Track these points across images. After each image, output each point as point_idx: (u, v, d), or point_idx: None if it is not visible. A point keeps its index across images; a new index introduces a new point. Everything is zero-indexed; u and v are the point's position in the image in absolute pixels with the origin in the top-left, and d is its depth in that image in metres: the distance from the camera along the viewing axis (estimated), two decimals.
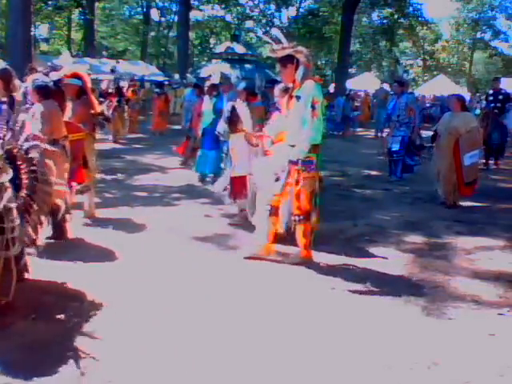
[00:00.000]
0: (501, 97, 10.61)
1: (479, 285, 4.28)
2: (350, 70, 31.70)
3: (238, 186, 5.62)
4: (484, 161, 10.29)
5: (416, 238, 5.57)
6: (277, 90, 5.37)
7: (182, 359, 2.97)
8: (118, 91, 14.26)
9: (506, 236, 5.70)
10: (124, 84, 16.57)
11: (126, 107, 14.06)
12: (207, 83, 8.78)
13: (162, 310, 3.60)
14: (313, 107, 4.28)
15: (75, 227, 5.26)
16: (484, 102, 11.42)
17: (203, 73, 29.07)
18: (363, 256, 4.96)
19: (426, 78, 42.18)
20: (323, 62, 42.36)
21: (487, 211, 6.94)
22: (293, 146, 4.37)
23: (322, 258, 4.81)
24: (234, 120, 5.71)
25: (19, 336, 3.14)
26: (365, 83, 28.97)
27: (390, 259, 4.89)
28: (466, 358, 3.08)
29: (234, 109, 5.77)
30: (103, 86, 14.84)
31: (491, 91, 11.20)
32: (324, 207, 6.90)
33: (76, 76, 5.59)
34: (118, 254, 4.70)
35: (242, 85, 6.02)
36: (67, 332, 3.21)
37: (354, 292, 4.05)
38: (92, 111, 5.65)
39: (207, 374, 2.84)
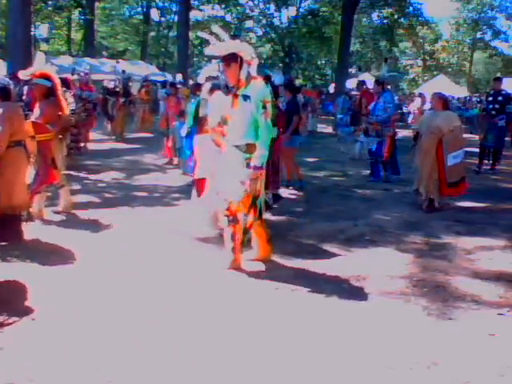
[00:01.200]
0: (500, 98, 10.06)
1: (479, 285, 4.28)
2: (350, 69, 31.66)
3: (203, 189, 5.52)
4: (477, 163, 10.13)
5: (416, 238, 5.57)
6: (204, 88, 5.33)
7: (182, 359, 2.97)
8: (125, 91, 14.36)
9: (506, 236, 5.70)
10: (130, 84, 16.65)
11: (130, 107, 14.21)
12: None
13: (161, 310, 3.60)
14: (264, 108, 4.18)
15: (68, 229, 5.29)
16: (485, 103, 11.05)
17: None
18: (363, 256, 4.96)
19: (426, 78, 42.15)
20: (323, 62, 42.33)
21: (487, 211, 6.94)
22: (237, 146, 4.25)
23: (322, 257, 4.82)
24: (199, 120, 5.67)
25: None
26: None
27: (390, 259, 4.89)
28: (466, 358, 3.08)
29: (198, 108, 5.76)
30: (109, 85, 14.89)
31: (491, 91, 10.80)
32: (324, 207, 6.96)
33: (45, 76, 5.58)
34: (118, 254, 4.71)
35: (208, 84, 5.97)
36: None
37: (354, 292, 4.05)
38: (60, 113, 5.60)
39: (206, 373, 2.84)
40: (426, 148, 6.76)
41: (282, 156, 7.82)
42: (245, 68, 4.23)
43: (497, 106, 9.98)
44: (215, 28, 4.43)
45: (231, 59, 4.22)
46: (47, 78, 5.59)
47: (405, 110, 22.43)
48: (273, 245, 4.69)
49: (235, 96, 4.29)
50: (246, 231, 4.41)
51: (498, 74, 32.81)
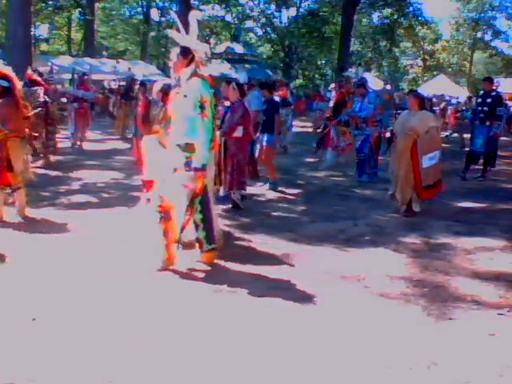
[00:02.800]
0: (489, 100, 9.09)
1: (479, 285, 4.28)
2: (350, 69, 31.68)
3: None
4: (464, 168, 9.36)
5: (416, 238, 5.57)
6: (155, 88, 5.29)
7: (181, 359, 2.97)
8: (127, 90, 14.38)
9: (506, 236, 5.70)
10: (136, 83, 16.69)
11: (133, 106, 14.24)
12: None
13: (160, 310, 3.61)
14: (202, 107, 4.11)
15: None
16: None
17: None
18: (363, 256, 4.96)
19: (425, 77, 42.16)
20: (323, 62, 42.33)
21: (487, 211, 6.94)
22: (178, 145, 4.20)
23: (322, 257, 4.82)
24: (147, 121, 5.64)
25: None
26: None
27: (390, 259, 4.89)
28: (466, 358, 3.08)
29: (147, 109, 5.75)
30: (110, 84, 14.93)
31: (481, 92, 9.95)
32: (324, 207, 6.96)
33: (3, 76, 5.54)
34: (117, 253, 4.71)
35: (159, 85, 6.02)
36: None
37: (354, 292, 4.06)
38: (19, 113, 5.55)
39: (206, 373, 2.84)
40: (400, 150, 6.50)
41: (264, 156, 7.84)
42: (191, 67, 4.16)
43: (485, 108, 9.10)
44: (192, 16, 4.28)
45: (183, 52, 4.19)
46: (4, 77, 5.54)
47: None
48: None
49: (177, 94, 4.24)
50: (181, 230, 4.31)
51: (498, 74, 32.83)
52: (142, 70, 25.31)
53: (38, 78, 9.40)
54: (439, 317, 3.64)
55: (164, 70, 32.10)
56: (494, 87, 9.57)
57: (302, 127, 20.65)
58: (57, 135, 9.70)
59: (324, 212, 6.66)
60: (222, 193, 6.54)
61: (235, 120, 6.33)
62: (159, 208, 4.23)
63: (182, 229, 4.31)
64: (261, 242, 5.29)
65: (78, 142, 11.87)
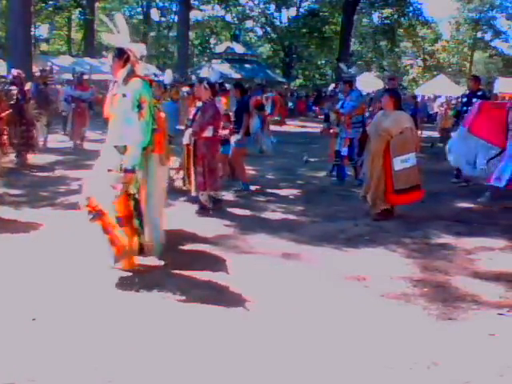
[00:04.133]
0: (475, 99, 8.40)
1: (479, 285, 4.28)
2: (349, 69, 31.68)
3: None
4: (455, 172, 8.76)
5: (416, 238, 5.57)
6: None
7: (180, 358, 2.97)
8: None
9: (506, 236, 5.69)
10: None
11: None
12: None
13: (158, 309, 3.61)
14: (140, 107, 4.00)
15: None
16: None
17: (203, 73, 29.12)
18: (363, 256, 4.97)
19: (426, 77, 42.17)
20: (323, 62, 42.35)
21: (487, 211, 6.93)
22: (116, 146, 4.09)
23: (322, 257, 4.83)
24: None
25: None
26: (365, 83, 28.94)
27: (390, 259, 4.89)
28: (466, 358, 3.08)
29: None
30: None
31: (466, 91, 9.35)
32: (324, 207, 6.96)
33: None
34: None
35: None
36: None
37: (354, 292, 4.06)
38: None
39: (206, 373, 2.84)
40: (373, 151, 6.27)
41: (231, 156, 7.72)
42: (128, 67, 4.09)
43: (471, 108, 8.34)
44: (119, 18, 4.21)
45: (118, 54, 4.13)
46: None
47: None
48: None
49: (115, 95, 4.16)
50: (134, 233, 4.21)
51: (498, 74, 32.83)
52: (142, 70, 25.34)
53: (23, 75, 9.43)
54: (439, 317, 3.64)
55: (164, 70, 32.12)
56: (481, 86, 9.15)
57: (301, 127, 20.69)
58: (34, 135, 9.59)
59: (324, 212, 6.66)
60: (193, 194, 6.44)
61: (205, 120, 6.19)
62: (88, 208, 4.06)
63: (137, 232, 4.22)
64: (261, 242, 5.29)
65: (78, 142, 11.88)
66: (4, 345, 3.05)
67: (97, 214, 4.07)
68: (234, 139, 7.66)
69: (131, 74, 4.08)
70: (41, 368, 2.82)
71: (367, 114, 9.05)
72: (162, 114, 4.83)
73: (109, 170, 4.04)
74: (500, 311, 3.76)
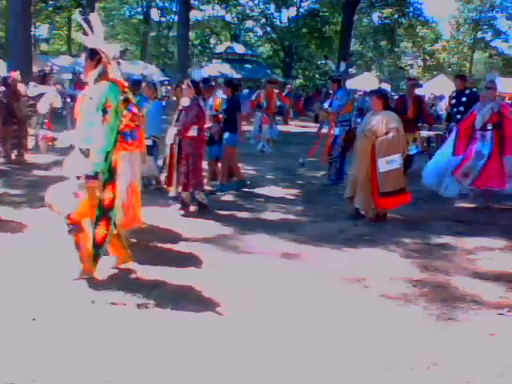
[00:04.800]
0: (464, 99, 8.16)
1: (479, 285, 4.28)
2: (350, 69, 31.68)
3: None
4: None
5: (416, 238, 5.57)
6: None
7: (180, 358, 2.97)
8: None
9: (506, 236, 5.70)
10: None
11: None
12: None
13: (155, 309, 3.61)
14: (104, 111, 3.85)
15: None
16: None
17: (203, 73, 29.07)
18: (363, 256, 4.96)
19: (426, 77, 42.16)
20: (323, 61, 42.36)
21: (487, 211, 6.93)
22: (81, 149, 3.98)
23: (322, 257, 4.82)
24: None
25: None
26: (365, 83, 28.97)
27: (390, 259, 4.89)
28: (466, 358, 3.08)
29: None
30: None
31: (454, 92, 8.94)
32: (324, 207, 6.96)
33: None
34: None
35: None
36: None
37: (354, 292, 4.06)
38: None
39: (206, 373, 2.84)
40: (359, 152, 6.17)
41: (224, 156, 7.65)
42: (98, 68, 4.02)
43: (461, 108, 8.07)
44: (93, 17, 4.12)
45: (91, 55, 4.06)
46: None
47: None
48: (131, 252, 4.35)
49: (84, 96, 4.09)
50: (96, 245, 4.00)
51: (498, 74, 32.75)
52: (141, 69, 25.37)
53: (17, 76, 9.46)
54: (439, 317, 3.64)
55: (164, 70, 32.14)
56: (468, 85, 8.81)
57: (302, 127, 20.68)
58: (25, 134, 9.57)
59: (324, 212, 6.66)
60: (172, 193, 6.40)
61: (189, 119, 6.11)
62: (68, 220, 3.94)
63: (97, 245, 4.02)
64: (260, 241, 5.29)
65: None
66: (4, 345, 3.04)
67: (75, 229, 3.96)
68: (225, 137, 7.58)
69: (102, 75, 4.01)
70: (41, 368, 2.82)
71: (355, 113, 9.00)
72: (142, 113, 4.82)
73: (77, 177, 3.92)
74: (500, 311, 3.76)
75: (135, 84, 7.60)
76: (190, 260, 4.65)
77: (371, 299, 3.92)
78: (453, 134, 7.36)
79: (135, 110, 4.65)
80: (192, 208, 6.39)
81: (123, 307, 3.60)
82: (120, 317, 3.46)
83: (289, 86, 26.41)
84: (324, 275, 4.37)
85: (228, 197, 7.41)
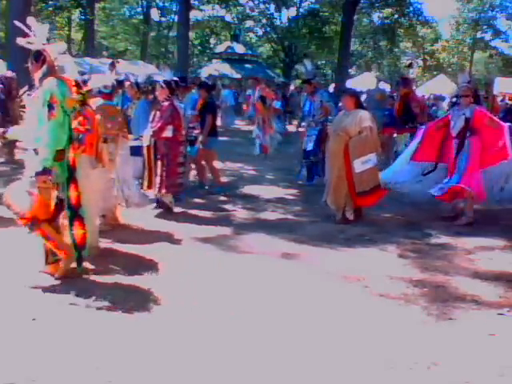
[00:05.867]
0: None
1: (479, 285, 4.28)
2: (349, 69, 31.72)
3: None
4: None
5: (416, 238, 5.57)
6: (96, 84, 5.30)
7: (180, 359, 2.97)
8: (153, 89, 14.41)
9: (506, 236, 5.70)
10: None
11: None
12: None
13: (155, 309, 3.61)
14: (50, 107, 3.81)
15: None
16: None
17: (203, 73, 29.15)
18: (363, 256, 4.96)
19: (426, 77, 42.15)
20: (323, 62, 42.35)
21: (487, 211, 6.93)
22: (34, 150, 3.94)
23: (322, 257, 4.82)
24: None
25: None
26: (365, 83, 28.99)
27: (390, 259, 4.89)
28: (466, 358, 3.08)
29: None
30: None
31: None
32: (324, 207, 6.94)
33: None
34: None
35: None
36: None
37: (354, 292, 4.06)
38: None
39: (206, 373, 2.84)
40: (332, 152, 6.04)
41: (203, 159, 7.56)
42: (44, 68, 3.99)
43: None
44: (30, 20, 4.15)
45: (36, 56, 4.06)
46: None
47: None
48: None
49: (34, 98, 4.05)
50: (78, 248, 4.03)
51: (499, 74, 32.77)
52: (141, 69, 25.35)
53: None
54: (439, 317, 3.64)
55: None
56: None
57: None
58: None
59: (323, 212, 6.65)
60: (151, 195, 6.30)
61: (164, 119, 6.02)
62: (21, 221, 3.87)
63: (78, 247, 4.03)
64: (260, 241, 5.29)
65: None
66: (4, 345, 3.05)
67: (32, 224, 3.89)
68: (200, 139, 7.48)
69: (47, 74, 3.98)
70: (41, 368, 2.82)
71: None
72: (98, 116, 4.70)
73: (31, 177, 3.88)
74: (500, 311, 3.76)
75: (118, 84, 7.56)
76: (190, 260, 4.65)
77: (371, 299, 3.92)
78: (419, 137, 6.82)
79: (89, 114, 4.52)
80: (175, 209, 6.31)
81: (121, 308, 3.60)
82: (120, 317, 3.46)
83: (292, 88, 26.41)
84: (324, 275, 4.37)
85: (227, 197, 7.41)
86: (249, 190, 7.99)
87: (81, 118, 4.29)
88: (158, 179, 6.08)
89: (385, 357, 3.05)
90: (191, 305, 3.70)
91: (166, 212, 6.24)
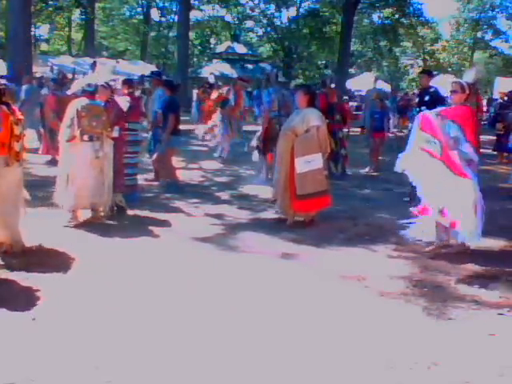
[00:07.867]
0: (427, 97, 7.00)
1: (479, 285, 4.27)
2: (350, 69, 31.73)
3: None
4: None
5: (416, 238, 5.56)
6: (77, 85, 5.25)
7: (180, 359, 2.97)
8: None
9: (505, 236, 5.69)
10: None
11: None
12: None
13: (153, 309, 3.60)
14: None
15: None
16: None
17: (203, 73, 29.13)
18: (363, 256, 4.96)
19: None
20: (323, 62, 42.34)
21: (487, 211, 6.91)
22: None
23: (322, 257, 4.82)
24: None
25: None
26: (365, 83, 28.99)
27: (390, 259, 4.89)
28: (466, 358, 3.08)
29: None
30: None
31: (418, 90, 7.91)
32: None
33: None
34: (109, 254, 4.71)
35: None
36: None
37: (354, 292, 4.05)
38: None
39: (206, 373, 2.84)
40: (280, 152, 5.82)
41: (160, 157, 7.48)
42: None
43: (423, 108, 6.37)
44: None
45: None
46: None
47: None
48: None
49: None
50: None
51: (499, 74, 32.77)
52: (141, 69, 25.35)
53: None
54: (439, 317, 3.64)
55: (164, 70, 32.13)
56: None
57: None
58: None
59: (323, 212, 6.65)
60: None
61: (110, 120, 5.83)
62: None
63: None
64: (260, 241, 5.29)
65: None
66: (4, 345, 3.04)
67: None
68: (161, 138, 7.45)
69: None
70: (41, 368, 2.82)
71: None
72: (19, 115, 4.59)
73: None
74: (500, 311, 3.76)
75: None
76: (189, 260, 4.65)
77: (371, 299, 3.92)
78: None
79: (2, 113, 4.42)
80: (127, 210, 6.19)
81: (117, 308, 3.60)
82: (120, 317, 3.46)
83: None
84: (323, 275, 4.37)
85: (226, 196, 7.41)
86: (248, 189, 7.99)
87: None
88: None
89: (385, 357, 3.05)
90: (191, 305, 3.70)
91: (119, 212, 6.08)
